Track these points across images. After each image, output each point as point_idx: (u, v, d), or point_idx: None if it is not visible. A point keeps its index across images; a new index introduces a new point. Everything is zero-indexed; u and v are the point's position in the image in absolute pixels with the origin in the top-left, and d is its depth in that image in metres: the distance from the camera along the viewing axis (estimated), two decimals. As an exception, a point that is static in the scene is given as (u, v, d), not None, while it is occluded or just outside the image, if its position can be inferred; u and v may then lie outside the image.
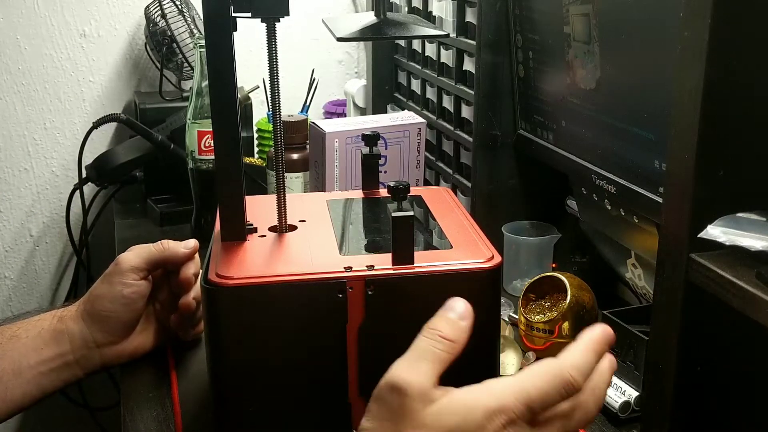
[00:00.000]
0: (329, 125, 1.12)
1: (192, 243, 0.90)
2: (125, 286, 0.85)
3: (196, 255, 0.91)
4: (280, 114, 0.77)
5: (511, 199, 1.12)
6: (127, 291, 0.86)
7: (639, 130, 0.83)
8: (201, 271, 0.77)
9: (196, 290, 0.90)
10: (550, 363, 0.57)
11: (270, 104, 1.27)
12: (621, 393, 0.82)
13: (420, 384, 0.55)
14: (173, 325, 0.91)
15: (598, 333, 0.59)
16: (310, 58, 1.63)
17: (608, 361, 0.60)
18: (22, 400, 0.83)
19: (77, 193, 1.47)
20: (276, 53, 0.76)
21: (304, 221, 0.83)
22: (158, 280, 0.91)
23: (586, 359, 0.58)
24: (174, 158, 1.37)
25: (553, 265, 1.08)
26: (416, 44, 1.35)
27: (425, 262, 0.73)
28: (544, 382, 0.56)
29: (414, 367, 0.56)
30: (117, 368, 0.93)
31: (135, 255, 0.87)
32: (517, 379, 0.57)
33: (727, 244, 0.57)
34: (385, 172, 1.14)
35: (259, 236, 0.79)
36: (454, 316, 0.60)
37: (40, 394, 0.84)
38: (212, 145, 1.04)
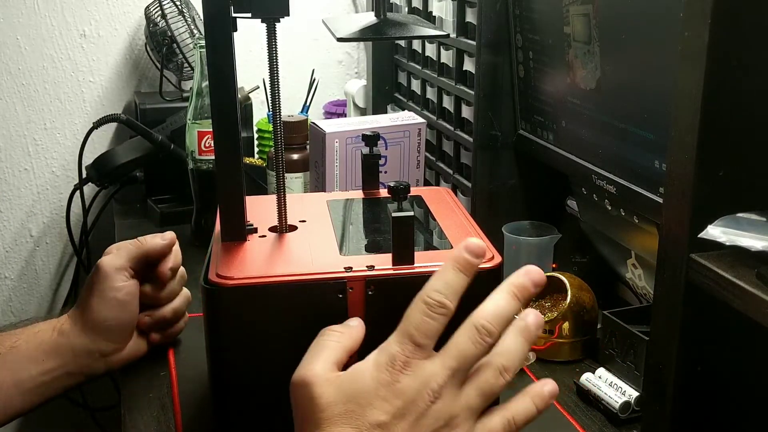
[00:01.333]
0: (329, 125, 1.12)
1: (169, 235, 0.89)
2: (117, 291, 0.84)
3: (177, 250, 0.90)
4: (280, 114, 0.77)
5: (511, 199, 1.12)
6: (120, 295, 0.84)
7: (639, 130, 0.83)
8: (202, 270, 0.77)
9: (170, 289, 0.90)
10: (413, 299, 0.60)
11: (270, 104, 1.27)
12: (621, 393, 0.82)
13: (317, 371, 0.60)
14: (145, 329, 0.90)
15: (454, 250, 0.61)
16: (310, 59, 1.63)
17: (526, 315, 0.61)
18: (22, 408, 0.82)
19: (77, 193, 1.47)
20: (276, 53, 0.76)
21: (304, 221, 0.83)
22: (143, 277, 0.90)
23: (443, 278, 0.59)
24: (174, 158, 1.37)
25: (554, 266, 1.08)
26: (416, 44, 1.35)
27: (425, 262, 0.72)
28: (411, 313, 0.59)
29: (310, 361, 0.61)
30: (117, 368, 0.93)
31: (116, 256, 0.85)
32: (397, 328, 0.60)
33: (727, 244, 0.57)
34: (386, 172, 1.14)
35: (260, 236, 0.79)
36: (345, 323, 0.66)
37: (40, 401, 0.83)
38: (212, 145, 1.04)
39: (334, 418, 0.57)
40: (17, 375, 0.82)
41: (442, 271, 0.60)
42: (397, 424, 0.57)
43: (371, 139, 0.91)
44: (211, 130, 1.13)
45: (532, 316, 0.61)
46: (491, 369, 0.59)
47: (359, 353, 0.72)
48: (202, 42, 0.99)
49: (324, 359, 0.61)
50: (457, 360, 0.58)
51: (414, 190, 0.87)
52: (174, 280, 0.91)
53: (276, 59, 0.76)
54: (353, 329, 0.65)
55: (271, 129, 1.44)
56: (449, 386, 0.58)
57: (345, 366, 0.61)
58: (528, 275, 0.61)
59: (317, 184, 1.15)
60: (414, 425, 0.57)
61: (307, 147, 1.22)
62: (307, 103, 1.56)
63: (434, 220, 0.84)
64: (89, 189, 1.49)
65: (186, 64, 1.47)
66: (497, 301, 0.60)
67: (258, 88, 1.50)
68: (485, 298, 0.74)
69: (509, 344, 0.60)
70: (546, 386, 0.62)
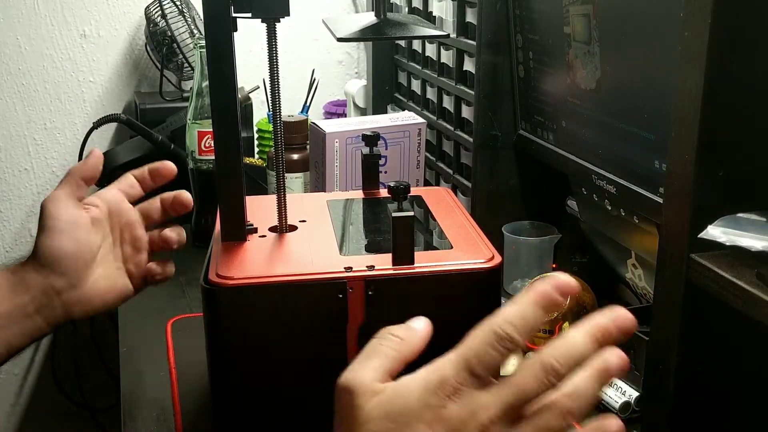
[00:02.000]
0: (329, 125, 1.12)
1: (95, 150, 0.87)
2: (54, 219, 0.81)
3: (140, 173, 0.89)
4: (280, 114, 0.77)
5: (511, 199, 1.12)
6: (60, 223, 0.81)
7: (639, 130, 0.83)
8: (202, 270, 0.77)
9: (145, 209, 0.87)
10: (483, 322, 0.55)
11: (270, 104, 1.27)
12: (621, 393, 0.82)
13: (364, 379, 0.55)
14: (127, 259, 0.86)
15: (541, 284, 0.54)
16: (310, 59, 1.63)
17: (610, 355, 0.54)
18: None
19: (77, 193, 1.47)
20: (276, 53, 0.76)
21: (304, 221, 0.83)
22: (117, 222, 0.87)
23: (521, 311, 0.53)
24: (174, 158, 1.36)
25: (554, 266, 1.08)
26: (416, 44, 1.35)
27: (425, 262, 0.73)
28: (477, 339, 0.54)
29: (361, 366, 0.56)
30: (117, 368, 0.93)
31: (55, 191, 0.84)
32: (457, 348, 0.55)
33: (728, 244, 0.57)
34: (386, 172, 1.14)
35: (260, 236, 0.79)
36: (409, 323, 0.60)
37: (5, 351, 0.80)
38: (212, 145, 1.04)
39: None
40: None
41: (522, 302, 0.54)
42: None
43: (371, 139, 0.91)
44: (211, 130, 1.13)
45: (615, 358, 0.54)
46: (555, 411, 0.53)
47: (361, 348, 0.72)
48: (202, 42, 0.99)
49: (375, 367, 0.56)
50: (515, 396, 0.52)
51: (414, 190, 0.87)
52: (152, 205, 0.88)
53: (276, 59, 0.76)
54: (415, 336, 0.59)
55: (271, 129, 1.44)
56: (500, 422, 0.52)
57: (397, 375, 0.57)
58: (614, 320, 0.54)
59: (317, 184, 1.15)
60: None
61: (307, 147, 1.22)
62: (307, 103, 1.56)
63: (434, 220, 0.84)
64: (89, 189, 1.48)
65: (186, 64, 1.47)
66: (573, 339, 0.53)
67: (258, 88, 1.50)
68: (485, 298, 0.74)
69: (581, 386, 0.53)
70: (611, 425, 0.55)
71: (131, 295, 0.86)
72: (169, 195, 0.88)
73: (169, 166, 0.89)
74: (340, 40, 0.75)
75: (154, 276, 0.86)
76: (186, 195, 0.88)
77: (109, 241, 0.86)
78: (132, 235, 0.87)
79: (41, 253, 0.81)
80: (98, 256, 0.84)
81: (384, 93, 1.50)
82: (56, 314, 0.81)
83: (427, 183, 1.29)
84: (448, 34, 1.14)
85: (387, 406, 0.54)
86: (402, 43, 1.43)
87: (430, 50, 1.28)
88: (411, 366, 0.71)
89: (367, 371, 0.56)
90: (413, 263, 0.72)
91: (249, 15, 0.73)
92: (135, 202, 0.88)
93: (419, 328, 0.60)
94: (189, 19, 1.46)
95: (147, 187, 0.90)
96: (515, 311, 0.54)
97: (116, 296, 0.85)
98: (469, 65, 1.14)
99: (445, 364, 0.54)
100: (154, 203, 0.88)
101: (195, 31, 1.45)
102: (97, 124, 1.36)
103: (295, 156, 1.23)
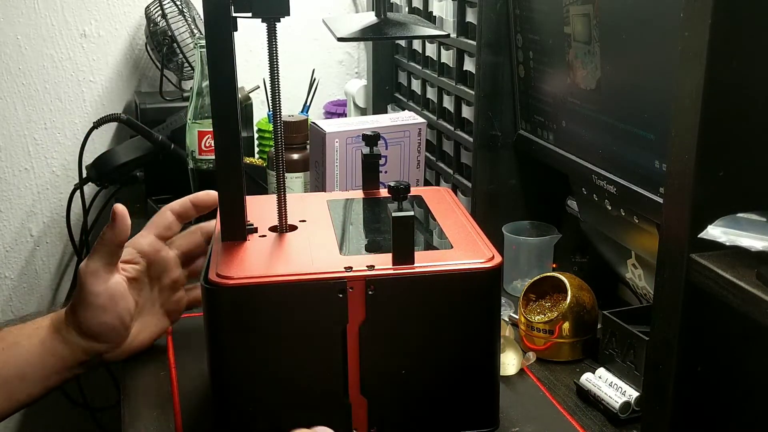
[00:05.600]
0: (329, 125, 1.12)
1: (118, 209, 0.84)
2: (96, 296, 0.82)
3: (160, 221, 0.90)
4: (280, 114, 0.77)
5: (511, 199, 1.12)
6: (101, 300, 0.83)
7: (639, 130, 0.83)
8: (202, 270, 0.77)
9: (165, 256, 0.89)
10: None
11: (270, 104, 1.27)
12: (621, 393, 0.82)
13: None
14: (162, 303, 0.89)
15: None
16: (310, 58, 1.63)
17: None
18: (27, 401, 0.84)
19: (78, 193, 1.47)
20: (276, 53, 0.76)
21: (304, 221, 0.83)
22: (150, 264, 0.89)
23: None
24: (174, 158, 1.37)
25: (554, 266, 1.08)
26: (416, 44, 1.35)
27: (425, 262, 0.73)
28: None
29: None
30: (117, 368, 0.93)
31: (90, 259, 0.83)
32: None
33: (728, 244, 0.57)
34: (386, 172, 1.14)
35: (260, 236, 0.79)
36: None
37: (45, 392, 0.84)
38: (212, 145, 1.03)
39: None
40: (21, 370, 0.83)
41: None
42: None
43: (371, 139, 0.91)
44: (211, 130, 1.13)
45: None
46: None
47: (362, 348, 0.72)
48: (202, 42, 0.99)
49: None
50: None
51: (414, 190, 0.87)
52: (171, 248, 0.90)
53: (276, 59, 0.76)
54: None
55: (271, 129, 1.44)
56: None
57: None
58: None
59: (317, 184, 1.15)
60: None
61: (307, 147, 1.22)
62: (308, 103, 1.56)
63: (434, 220, 0.84)
64: (89, 189, 1.49)
65: (186, 64, 1.47)
66: None
67: (258, 88, 1.50)
68: (485, 298, 0.74)
69: None
70: None
71: (166, 330, 0.91)
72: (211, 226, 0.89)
73: (213, 195, 0.90)
74: (340, 40, 0.75)
75: (197, 304, 0.91)
76: None
77: (147, 291, 0.89)
78: (170, 279, 0.90)
79: (84, 327, 0.84)
80: (137, 311, 0.87)
81: (384, 93, 1.50)
82: (95, 365, 0.87)
83: (427, 183, 1.29)
84: (448, 34, 1.14)
85: None
86: (402, 43, 1.43)
87: (430, 50, 1.28)
88: (411, 365, 0.71)
89: None
90: (413, 263, 0.72)
91: (249, 15, 0.73)
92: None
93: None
94: (189, 19, 1.46)
95: (188, 220, 0.92)
96: None
97: (154, 337, 0.90)
98: (469, 65, 1.14)
99: None
100: (195, 238, 0.90)
101: (195, 31, 1.45)
102: (97, 124, 1.36)
103: (295, 156, 1.23)
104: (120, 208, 0.84)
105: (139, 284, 0.88)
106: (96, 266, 0.83)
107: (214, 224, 0.87)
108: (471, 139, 1.13)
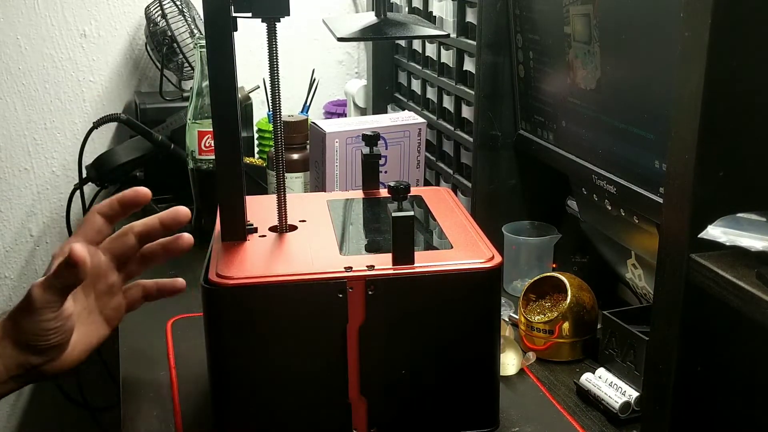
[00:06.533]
0: (329, 125, 1.12)
1: (73, 249, 0.75)
2: (45, 322, 0.76)
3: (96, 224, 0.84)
4: (280, 114, 0.77)
5: (511, 199, 1.12)
6: (49, 324, 0.76)
7: (639, 130, 0.83)
8: (202, 270, 0.77)
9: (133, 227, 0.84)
10: None
11: (270, 104, 1.27)
12: (621, 393, 0.82)
13: None
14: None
15: None
16: (310, 58, 1.63)
17: None
18: None
19: (77, 193, 1.47)
20: (276, 53, 0.76)
21: (304, 221, 0.83)
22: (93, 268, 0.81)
23: None
24: (174, 158, 1.36)
25: (553, 266, 1.08)
26: (416, 44, 1.35)
27: (425, 262, 0.73)
28: None
29: None
30: (117, 368, 0.93)
31: (41, 287, 0.76)
32: None
33: (728, 244, 0.57)
34: (386, 172, 1.14)
35: (260, 236, 0.79)
36: None
37: None
38: (212, 145, 1.03)
39: None
40: None
41: None
42: None
43: (371, 139, 0.91)
44: (211, 130, 1.13)
45: None
46: None
47: (362, 348, 0.72)
48: (202, 42, 0.99)
49: None
50: None
51: (414, 190, 0.87)
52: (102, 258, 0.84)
53: (276, 59, 0.76)
54: None
55: (271, 129, 1.44)
56: None
57: None
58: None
59: (317, 184, 1.15)
60: None
61: (307, 147, 1.22)
62: (307, 103, 1.56)
63: (434, 220, 0.84)
64: (89, 189, 1.49)
65: (186, 64, 1.47)
66: None
67: (258, 88, 1.50)
68: (485, 298, 0.74)
69: None
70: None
71: (107, 336, 0.84)
72: (167, 240, 0.86)
73: (141, 193, 0.84)
74: (340, 39, 0.75)
75: (164, 292, 0.87)
76: (186, 240, 0.86)
77: (82, 299, 0.83)
78: (105, 284, 0.84)
79: (23, 342, 0.77)
80: (74, 322, 0.80)
81: (384, 93, 1.50)
82: (29, 380, 0.80)
83: (427, 183, 1.29)
84: (448, 34, 1.14)
85: None
86: (402, 43, 1.43)
87: (430, 50, 1.28)
88: (411, 365, 0.71)
89: None
90: (413, 263, 0.72)
91: (249, 15, 0.73)
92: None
93: None
94: (189, 19, 1.46)
95: (117, 221, 0.85)
96: None
97: (91, 347, 0.83)
98: (469, 65, 1.14)
99: None
100: (127, 240, 0.84)
101: (195, 31, 1.45)
102: (97, 124, 1.36)
103: (295, 156, 1.23)
104: (78, 252, 0.74)
105: (74, 294, 0.79)
106: (48, 298, 0.76)
107: (144, 223, 0.83)
108: (471, 139, 1.13)
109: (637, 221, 0.88)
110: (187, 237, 0.87)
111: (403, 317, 0.72)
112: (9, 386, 0.79)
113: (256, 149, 1.53)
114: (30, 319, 0.76)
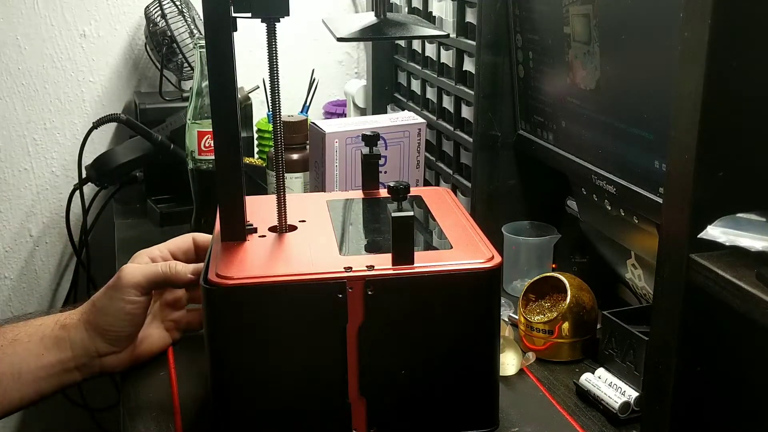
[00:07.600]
0: (329, 125, 1.12)
1: (199, 268, 0.86)
2: (127, 303, 0.84)
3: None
4: (280, 114, 0.77)
5: (511, 199, 1.12)
6: (129, 307, 0.84)
7: (639, 130, 0.83)
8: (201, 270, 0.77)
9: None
10: None
11: (270, 104, 1.27)
12: (621, 393, 0.82)
13: None
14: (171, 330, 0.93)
15: None
16: (310, 59, 1.63)
17: None
18: (20, 403, 0.83)
19: (77, 193, 1.47)
20: (276, 53, 0.76)
21: (304, 221, 0.83)
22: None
23: None
24: (174, 158, 1.36)
25: (553, 266, 1.08)
26: (416, 44, 1.35)
27: (425, 262, 0.73)
28: None
29: None
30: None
31: (140, 273, 0.85)
32: None
33: (727, 244, 0.57)
34: (385, 172, 1.14)
35: (259, 236, 0.79)
36: None
37: (37, 397, 0.84)
38: (212, 145, 1.03)
39: None
40: (16, 368, 0.82)
41: None
42: None
43: (371, 139, 0.91)
44: (211, 130, 1.13)
45: None
46: None
47: (361, 348, 0.72)
48: (202, 42, 0.99)
49: None
50: None
51: (414, 190, 0.87)
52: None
53: (276, 59, 0.76)
54: None
55: (271, 129, 1.44)
56: None
57: None
58: None
59: (317, 184, 1.15)
60: None
61: (307, 147, 1.22)
62: (307, 103, 1.56)
63: (434, 220, 0.84)
64: (89, 189, 1.49)
65: (186, 64, 1.47)
66: None
67: (258, 88, 1.50)
68: (485, 298, 0.74)
69: None
70: None
71: (168, 346, 0.92)
72: None
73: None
74: (340, 40, 0.75)
75: (194, 327, 0.94)
76: None
77: (154, 306, 0.92)
78: (173, 295, 0.93)
79: (99, 323, 0.85)
80: (144, 319, 0.89)
81: (384, 93, 1.50)
82: (93, 371, 0.87)
83: (427, 183, 1.29)
84: (448, 34, 1.14)
85: None
86: (402, 43, 1.43)
87: (430, 50, 1.28)
88: (411, 365, 0.71)
89: None
90: (413, 263, 0.72)
91: (249, 15, 0.73)
92: None
93: None
94: (189, 19, 1.46)
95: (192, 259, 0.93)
96: None
97: (152, 351, 0.91)
98: (469, 65, 1.14)
99: None
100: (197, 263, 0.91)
101: (195, 31, 1.45)
102: (97, 124, 1.36)
103: (295, 156, 1.23)
104: (199, 270, 0.86)
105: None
106: (142, 282, 0.85)
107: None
108: (471, 139, 1.13)
109: (636, 221, 0.88)
110: None
111: (402, 317, 0.72)
112: (72, 376, 0.85)
113: (256, 149, 1.53)
114: (114, 295, 0.84)
